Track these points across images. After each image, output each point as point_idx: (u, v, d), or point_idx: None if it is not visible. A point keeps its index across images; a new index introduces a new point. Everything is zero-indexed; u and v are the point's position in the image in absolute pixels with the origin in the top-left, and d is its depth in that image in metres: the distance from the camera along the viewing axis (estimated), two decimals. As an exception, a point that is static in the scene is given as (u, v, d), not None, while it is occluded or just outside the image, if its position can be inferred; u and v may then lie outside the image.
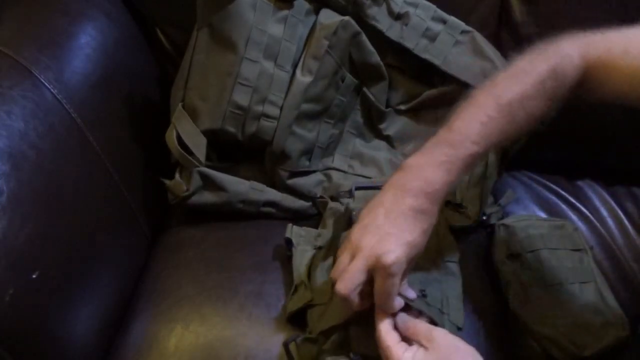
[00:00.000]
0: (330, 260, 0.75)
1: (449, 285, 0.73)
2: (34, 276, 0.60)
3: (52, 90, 0.70)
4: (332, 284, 0.60)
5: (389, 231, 0.57)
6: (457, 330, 0.69)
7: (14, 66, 0.69)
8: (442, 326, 0.63)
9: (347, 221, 0.78)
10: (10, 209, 0.60)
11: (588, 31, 0.62)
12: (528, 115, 0.60)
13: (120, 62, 0.85)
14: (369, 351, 0.63)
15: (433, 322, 0.62)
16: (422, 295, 0.66)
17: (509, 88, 0.60)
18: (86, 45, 0.80)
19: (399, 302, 0.59)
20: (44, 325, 0.62)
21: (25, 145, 0.64)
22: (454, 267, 0.76)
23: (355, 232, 0.60)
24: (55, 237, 0.65)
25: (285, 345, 0.67)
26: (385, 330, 0.58)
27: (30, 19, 0.78)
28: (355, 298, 0.58)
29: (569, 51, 0.61)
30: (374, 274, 0.57)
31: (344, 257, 0.60)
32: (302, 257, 0.76)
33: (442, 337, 0.56)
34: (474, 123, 0.59)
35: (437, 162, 0.58)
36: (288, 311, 0.71)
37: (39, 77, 0.70)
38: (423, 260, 0.70)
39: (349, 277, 0.57)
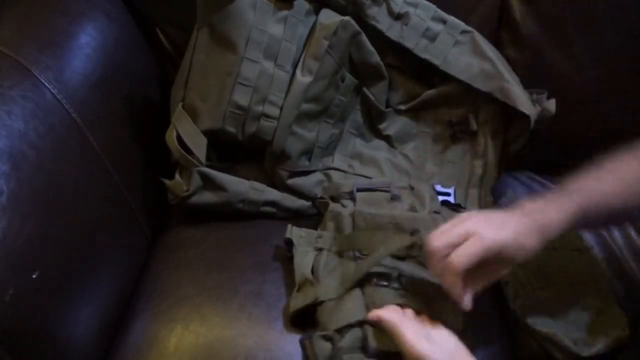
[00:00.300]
0: (335, 261, 0.75)
1: None
2: (34, 276, 0.60)
3: (52, 90, 0.70)
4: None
5: (503, 225, 0.61)
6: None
7: (14, 66, 0.69)
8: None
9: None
10: (10, 209, 0.60)
11: None
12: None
13: (120, 62, 0.85)
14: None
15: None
16: None
17: (617, 170, 0.68)
18: (86, 45, 0.80)
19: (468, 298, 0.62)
20: (44, 325, 0.62)
21: (25, 145, 0.64)
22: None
23: (469, 216, 0.64)
24: (55, 237, 0.65)
25: (301, 342, 0.68)
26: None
27: (30, 19, 0.78)
28: (441, 260, 0.61)
29: None
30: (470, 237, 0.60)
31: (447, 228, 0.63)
32: (303, 258, 0.76)
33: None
34: (593, 183, 0.66)
35: (560, 207, 0.63)
36: (292, 309, 0.71)
37: (39, 77, 0.70)
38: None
39: (446, 234, 0.61)
